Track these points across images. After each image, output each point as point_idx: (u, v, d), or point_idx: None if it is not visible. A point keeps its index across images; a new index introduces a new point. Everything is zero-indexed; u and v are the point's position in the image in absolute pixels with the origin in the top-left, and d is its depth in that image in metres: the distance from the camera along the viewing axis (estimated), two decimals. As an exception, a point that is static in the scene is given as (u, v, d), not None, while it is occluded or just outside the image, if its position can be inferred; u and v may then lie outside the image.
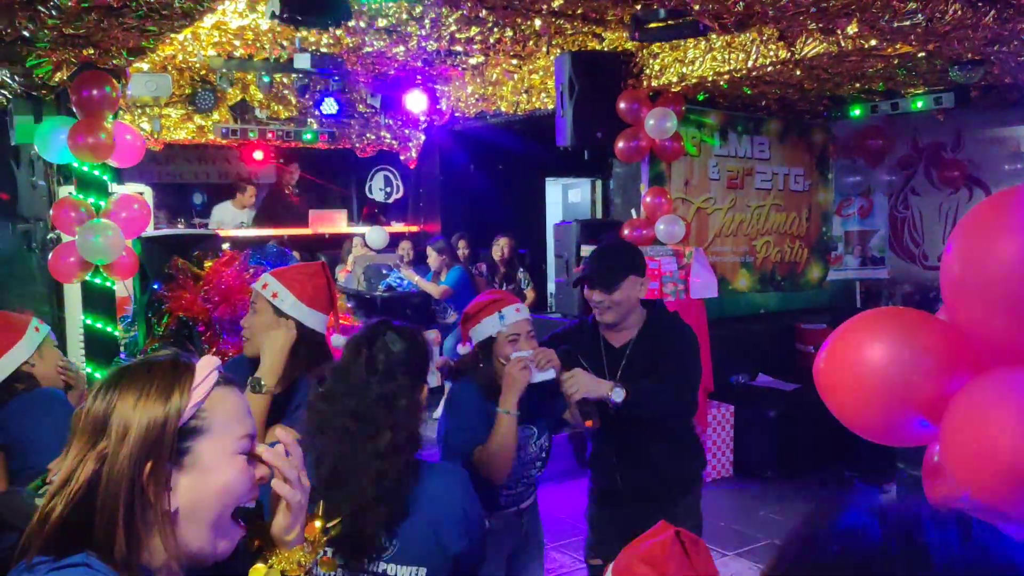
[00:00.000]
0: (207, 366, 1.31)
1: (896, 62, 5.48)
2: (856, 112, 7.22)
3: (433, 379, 6.65)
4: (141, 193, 5.89)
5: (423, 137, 8.79)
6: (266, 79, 7.01)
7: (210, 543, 1.28)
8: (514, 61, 6.93)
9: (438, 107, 8.17)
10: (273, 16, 4.38)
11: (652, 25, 4.71)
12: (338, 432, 1.96)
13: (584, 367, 2.98)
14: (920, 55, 5.16)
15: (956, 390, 1.55)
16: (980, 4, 4.22)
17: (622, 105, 6.21)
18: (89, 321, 5.01)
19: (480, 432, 2.75)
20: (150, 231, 5.49)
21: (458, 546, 1.97)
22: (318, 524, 1.43)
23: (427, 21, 5.72)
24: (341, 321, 3.65)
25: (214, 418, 1.29)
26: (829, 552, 0.60)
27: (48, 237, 5.36)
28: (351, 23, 5.32)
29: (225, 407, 1.31)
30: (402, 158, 8.91)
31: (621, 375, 3.09)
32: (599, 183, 8.96)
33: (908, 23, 4.20)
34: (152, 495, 1.21)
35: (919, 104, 6.67)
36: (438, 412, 7.23)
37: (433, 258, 7.59)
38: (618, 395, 2.85)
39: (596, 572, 3.30)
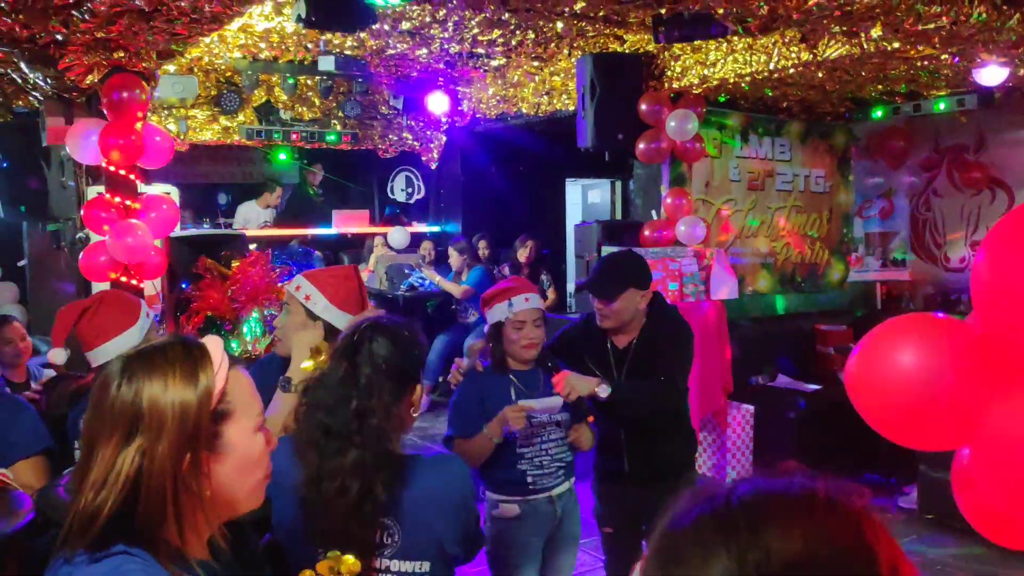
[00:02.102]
0: (217, 347, 1.33)
1: (919, 64, 5.47)
2: (878, 114, 7.20)
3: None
4: (168, 193, 5.97)
5: (444, 138, 8.84)
6: (291, 81, 7.08)
7: (240, 507, 1.37)
8: (535, 63, 6.96)
9: (460, 108, 8.21)
10: (299, 20, 4.44)
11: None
12: (308, 444, 1.90)
13: (592, 368, 3.22)
14: (943, 57, 5.16)
15: (988, 398, 1.55)
16: (1005, 7, 4.21)
17: (643, 107, 6.23)
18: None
19: (470, 420, 3.05)
20: (178, 231, 5.56)
21: (455, 538, 1.99)
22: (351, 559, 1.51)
23: (450, 23, 5.76)
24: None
25: (236, 400, 1.33)
26: (681, 523, 0.76)
27: (78, 236, 5.44)
28: (375, 26, 5.37)
29: (241, 387, 1.36)
30: (424, 159, 8.96)
31: (626, 374, 3.31)
32: (619, 184, 8.99)
33: (932, 26, 4.21)
34: (194, 485, 1.26)
35: (941, 106, 6.65)
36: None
37: (454, 258, 7.64)
38: (603, 391, 3.05)
39: (608, 538, 3.57)
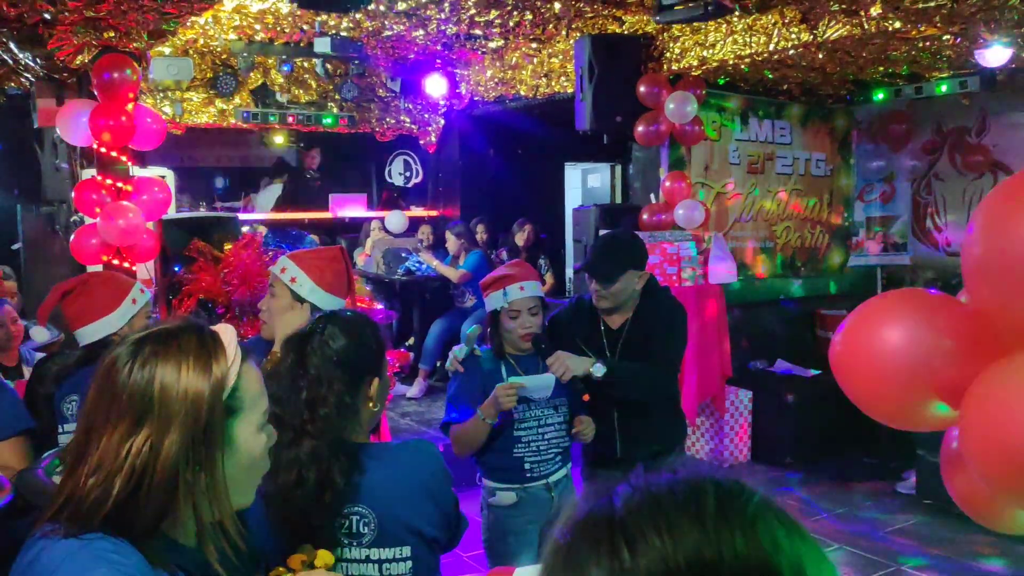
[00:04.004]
0: (231, 338, 1.30)
1: (921, 45, 5.40)
2: (879, 96, 7.13)
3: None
4: (163, 176, 5.93)
5: (442, 121, 8.77)
6: (287, 66, 7.03)
7: (235, 504, 1.31)
8: (534, 45, 6.89)
9: (457, 91, 8.14)
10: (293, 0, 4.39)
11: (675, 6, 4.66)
12: None
13: (584, 350, 3.18)
14: (945, 38, 5.08)
15: (976, 374, 1.52)
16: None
17: (642, 89, 6.16)
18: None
19: (468, 406, 3.04)
20: (171, 214, 5.52)
21: (432, 521, 1.97)
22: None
23: (447, 4, 5.69)
24: (359, 305, 3.67)
25: (245, 396, 1.29)
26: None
27: (72, 220, 5.40)
28: (371, 6, 5.30)
29: (251, 382, 1.31)
30: (421, 142, 8.90)
31: (620, 355, 3.30)
32: (618, 168, 8.91)
33: (932, 4, 4.14)
34: (199, 481, 1.23)
35: (943, 88, 6.58)
36: (413, 391, 7.31)
37: (452, 242, 7.59)
38: (599, 370, 3.05)
39: None
